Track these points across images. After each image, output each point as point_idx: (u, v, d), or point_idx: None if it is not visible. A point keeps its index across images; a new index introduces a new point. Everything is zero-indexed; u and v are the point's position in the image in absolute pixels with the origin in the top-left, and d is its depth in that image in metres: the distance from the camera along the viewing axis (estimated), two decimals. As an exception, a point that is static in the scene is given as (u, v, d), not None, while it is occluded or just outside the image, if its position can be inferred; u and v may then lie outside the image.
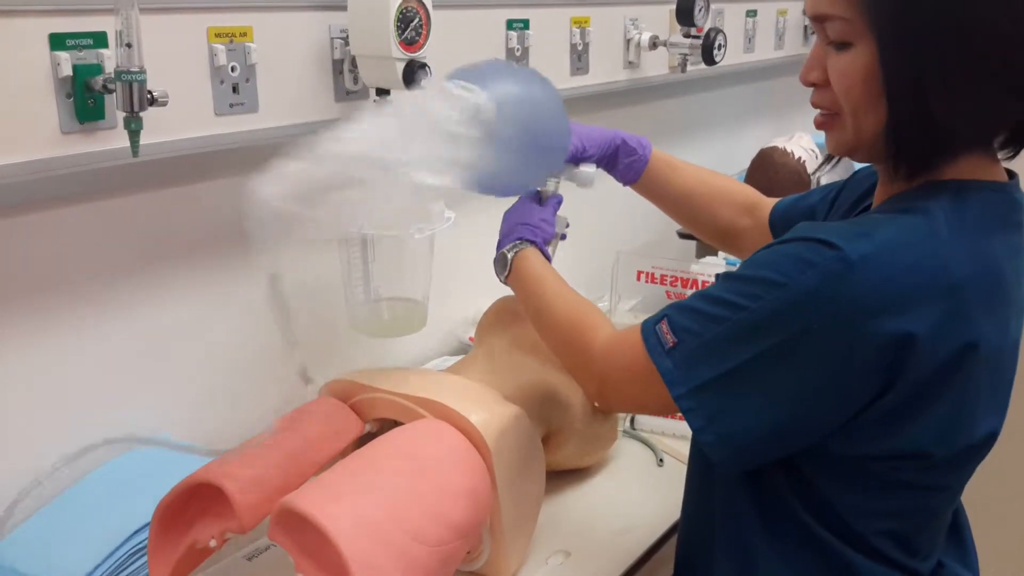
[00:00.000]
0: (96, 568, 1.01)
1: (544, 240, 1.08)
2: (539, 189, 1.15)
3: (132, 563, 1.04)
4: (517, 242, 1.07)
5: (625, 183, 1.22)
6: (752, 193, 1.24)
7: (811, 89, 0.88)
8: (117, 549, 1.03)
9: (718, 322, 0.81)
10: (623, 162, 1.19)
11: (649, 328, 0.86)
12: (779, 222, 1.16)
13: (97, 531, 1.04)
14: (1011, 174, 0.88)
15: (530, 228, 1.09)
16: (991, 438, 0.85)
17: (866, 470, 0.83)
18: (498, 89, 0.99)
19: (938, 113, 0.78)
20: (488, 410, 1.01)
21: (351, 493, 0.88)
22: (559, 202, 1.15)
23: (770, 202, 1.21)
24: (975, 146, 0.83)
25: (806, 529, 0.86)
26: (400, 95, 0.89)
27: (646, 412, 0.84)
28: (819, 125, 0.89)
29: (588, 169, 1.15)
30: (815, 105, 0.89)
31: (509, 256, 1.07)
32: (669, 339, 0.84)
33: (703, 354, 0.82)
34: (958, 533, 0.96)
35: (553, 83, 1.11)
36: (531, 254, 1.06)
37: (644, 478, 1.26)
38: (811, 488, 0.86)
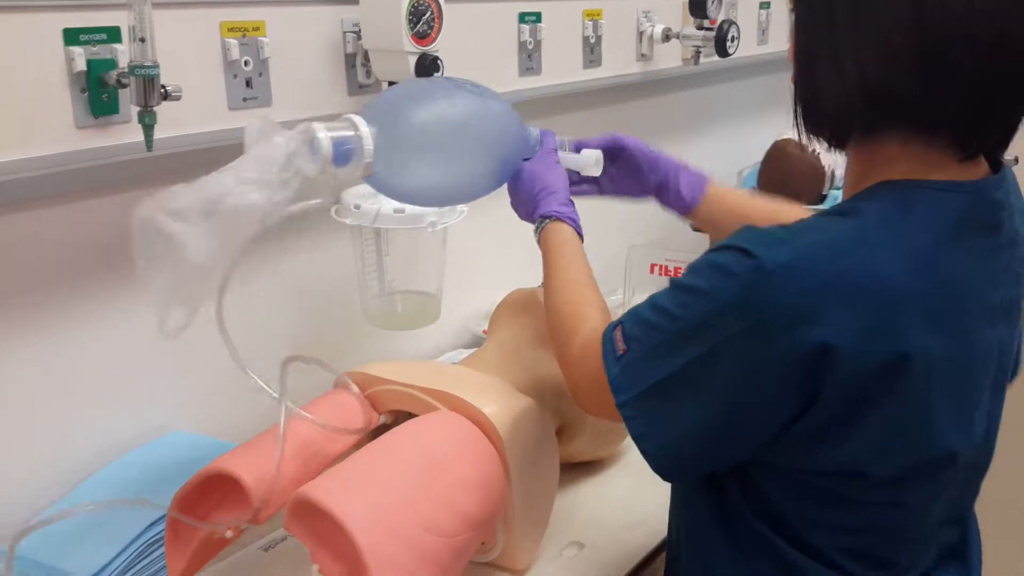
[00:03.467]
0: (114, 559, 1.02)
1: (561, 203, 1.03)
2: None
3: (149, 554, 1.04)
4: (538, 221, 1.03)
5: (681, 213, 1.15)
6: (798, 214, 1.15)
7: None
8: (134, 540, 1.04)
9: (658, 331, 0.81)
10: (672, 194, 1.13)
11: (608, 334, 0.86)
12: None
13: (115, 522, 1.05)
14: (998, 167, 0.82)
15: (547, 194, 1.04)
16: (954, 456, 0.80)
17: (811, 484, 0.81)
18: (395, 117, 0.98)
19: (823, 80, 0.78)
20: (501, 402, 1.01)
21: (366, 484, 0.88)
22: (553, 147, 1.10)
23: None
24: (901, 132, 0.78)
25: (763, 539, 0.84)
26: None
27: (609, 419, 0.83)
28: None
29: (589, 152, 1.13)
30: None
31: (536, 239, 1.04)
32: (620, 346, 0.84)
33: (644, 362, 0.82)
34: (962, 549, 0.91)
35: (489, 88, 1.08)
36: (547, 232, 1.02)
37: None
38: (765, 500, 0.84)
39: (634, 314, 0.85)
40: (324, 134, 0.93)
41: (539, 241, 1.03)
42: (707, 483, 0.88)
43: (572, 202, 1.05)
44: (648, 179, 1.14)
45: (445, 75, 1.29)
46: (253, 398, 1.31)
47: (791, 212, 1.17)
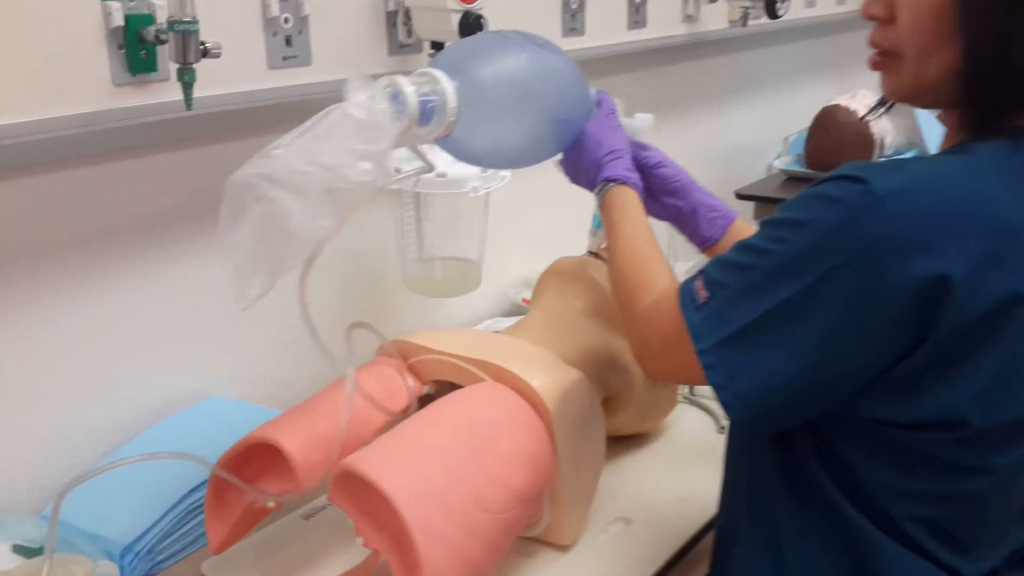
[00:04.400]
0: (153, 525, 1.00)
1: (627, 167, 0.99)
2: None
3: (189, 521, 1.03)
4: (601, 184, 0.99)
5: (702, 244, 1.08)
6: None
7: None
8: (174, 507, 1.02)
9: (746, 270, 0.76)
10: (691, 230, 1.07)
11: (686, 287, 0.82)
12: None
13: (154, 489, 1.03)
14: None
15: (613, 158, 0.99)
16: None
17: (896, 441, 0.77)
18: (475, 70, 0.92)
19: (1020, 62, 0.72)
20: (549, 374, 0.98)
21: (413, 457, 0.85)
22: (612, 108, 1.05)
23: None
24: None
25: (834, 507, 0.80)
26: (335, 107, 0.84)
27: (683, 382, 0.79)
28: (874, 66, 0.83)
29: (643, 117, 1.09)
30: (873, 44, 0.82)
31: (599, 202, 1.00)
32: (701, 294, 0.79)
33: (730, 306, 0.77)
34: None
35: (557, 46, 1.03)
36: (613, 196, 0.98)
37: (704, 445, 1.22)
38: (840, 461, 0.80)
39: (717, 260, 0.80)
40: (410, 88, 0.87)
41: (602, 204, 0.99)
42: (775, 441, 0.84)
43: (634, 166, 1.01)
44: (673, 204, 1.08)
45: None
46: (294, 364, 1.29)
47: None
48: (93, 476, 0.87)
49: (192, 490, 1.04)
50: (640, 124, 1.08)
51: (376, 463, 0.83)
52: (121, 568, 0.97)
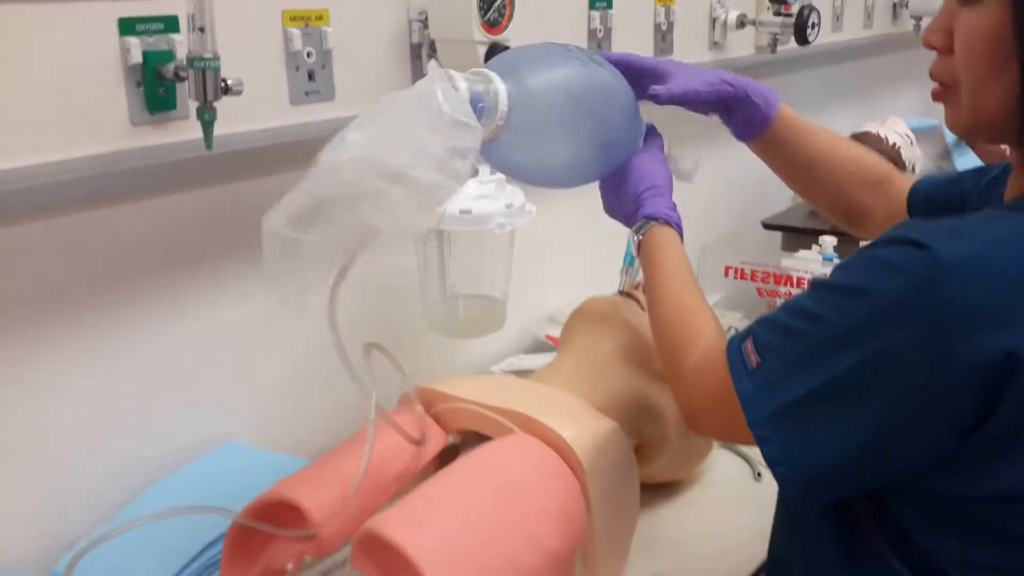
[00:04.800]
0: (169, 581, 0.96)
1: (668, 206, 0.94)
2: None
3: (207, 576, 0.99)
4: (642, 221, 0.94)
5: (740, 138, 1.05)
6: (883, 167, 1.07)
7: (915, 71, 0.78)
8: (192, 561, 0.98)
9: (801, 338, 0.72)
10: (742, 117, 1.02)
11: (735, 347, 0.77)
12: (920, 207, 1.02)
13: (171, 543, 0.99)
14: None
15: (654, 194, 0.94)
16: None
17: (968, 515, 0.72)
18: (529, 77, 0.87)
19: None
20: (581, 424, 0.94)
21: (440, 518, 0.81)
22: (660, 143, 1.01)
23: (904, 179, 1.07)
24: None
25: None
26: (395, 93, 0.79)
27: (734, 442, 0.75)
28: (935, 97, 0.79)
29: (690, 156, 1.04)
30: (932, 75, 0.79)
31: (636, 240, 0.95)
32: (753, 359, 0.75)
33: (784, 375, 0.73)
34: None
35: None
36: (653, 236, 0.92)
37: (740, 493, 1.18)
38: (904, 534, 0.75)
39: (767, 321, 0.76)
40: (463, 84, 0.82)
41: (641, 244, 0.93)
42: (832, 510, 0.79)
43: (675, 206, 0.96)
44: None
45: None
46: (313, 409, 1.25)
47: (876, 162, 1.08)
48: (109, 539, 0.83)
49: (210, 543, 0.99)
50: (687, 165, 1.02)
51: (401, 525, 0.78)
52: (136, 629, 0.93)
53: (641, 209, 0.94)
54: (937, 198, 1.01)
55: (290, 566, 0.87)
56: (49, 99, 0.93)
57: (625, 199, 0.97)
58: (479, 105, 0.84)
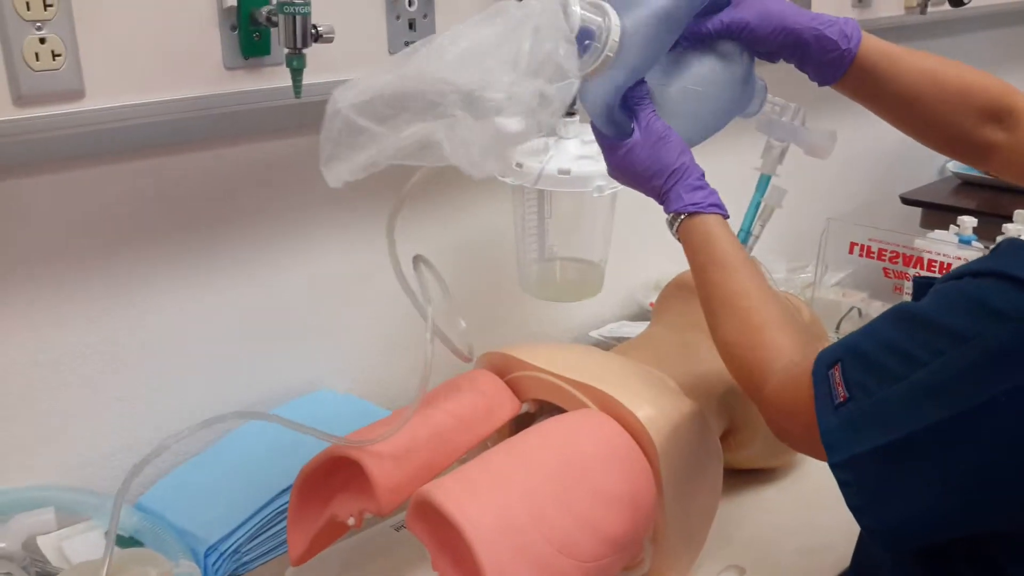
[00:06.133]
0: (241, 525, 0.98)
1: (693, 186, 0.82)
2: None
3: (275, 524, 1.00)
4: (669, 219, 0.84)
5: (823, 84, 0.90)
6: (1002, 94, 0.89)
7: None
8: (264, 507, 0.99)
9: (893, 379, 0.65)
10: (817, 60, 0.87)
11: (822, 372, 0.70)
12: None
13: (246, 486, 1.01)
14: None
15: (673, 180, 0.83)
16: None
17: None
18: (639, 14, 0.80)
19: None
20: (659, 404, 0.88)
21: (496, 492, 0.78)
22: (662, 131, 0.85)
23: None
24: None
25: None
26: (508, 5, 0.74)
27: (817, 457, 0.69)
28: None
29: (824, 132, 0.94)
30: None
31: (674, 227, 0.84)
32: (840, 392, 0.68)
33: (871, 417, 0.66)
34: None
35: None
36: (687, 234, 0.82)
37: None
38: (995, 567, 0.68)
39: (856, 351, 0.69)
40: (575, 8, 0.77)
41: (684, 243, 0.84)
42: (927, 556, 0.73)
43: (703, 182, 0.83)
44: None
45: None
46: (402, 359, 1.25)
47: (999, 91, 0.89)
48: (176, 442, 0.81)
49: (283, 491, 1.00)
50: (821, 140, 0.93)
51: (454, 494, 0.76)
52: (204, 568, 0.94)
53: (667, 205, 0.84)
54: None
55: (351, 521, 0.86)
56: (147, 40, 0.94)
57: (644, 189, 0.86)
58: (585, 42, 0.78)
